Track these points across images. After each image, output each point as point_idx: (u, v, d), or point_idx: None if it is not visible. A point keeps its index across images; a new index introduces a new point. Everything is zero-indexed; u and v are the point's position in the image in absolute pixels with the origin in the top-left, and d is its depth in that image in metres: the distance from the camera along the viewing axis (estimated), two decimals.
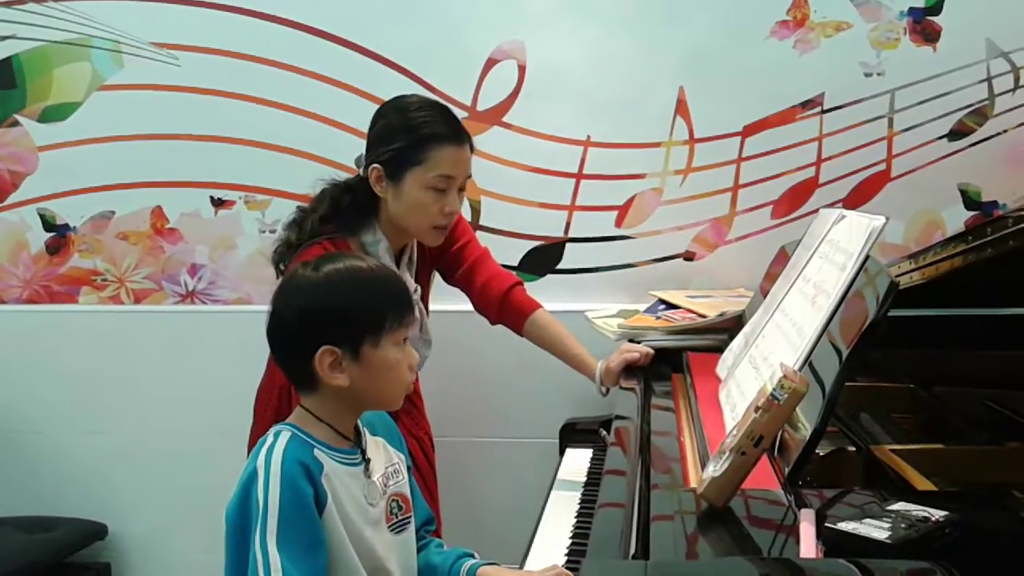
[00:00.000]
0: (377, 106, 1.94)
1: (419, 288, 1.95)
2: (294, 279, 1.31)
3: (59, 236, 2.60)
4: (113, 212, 2.57)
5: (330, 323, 1.26)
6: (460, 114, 1.92)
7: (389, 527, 1.32)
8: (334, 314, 1.26)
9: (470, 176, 1.88)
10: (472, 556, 1.41)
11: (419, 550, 1.41)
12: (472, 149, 1.85)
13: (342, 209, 1.85)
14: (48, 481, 2.64)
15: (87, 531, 2.56)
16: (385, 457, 1.37)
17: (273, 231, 2.46)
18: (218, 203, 2.53)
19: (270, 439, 1.25)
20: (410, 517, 1.36)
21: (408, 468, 1.42)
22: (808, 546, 1.01)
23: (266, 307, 1.32)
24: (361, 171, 1.91)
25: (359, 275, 1.30)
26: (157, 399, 2.58)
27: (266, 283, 1.39)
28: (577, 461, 1.90)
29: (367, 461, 1.32)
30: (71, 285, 2.62)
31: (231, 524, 1.23)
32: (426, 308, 2.01)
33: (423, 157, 1.79)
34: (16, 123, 2.55)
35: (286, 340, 1.30)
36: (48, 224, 2.59)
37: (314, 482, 1.22)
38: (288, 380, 1.37)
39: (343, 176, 1.96)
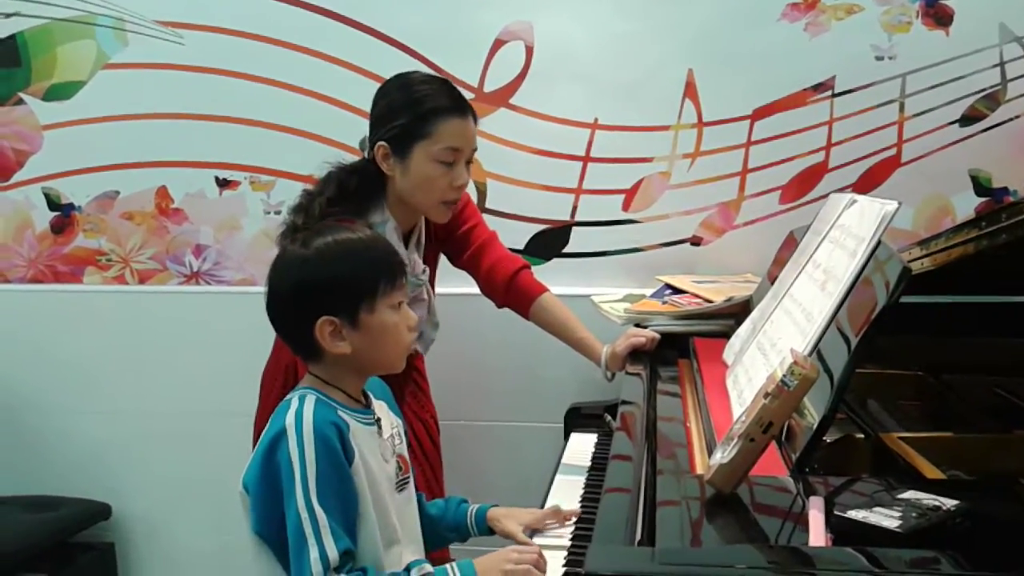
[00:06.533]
0: None
1: (427, 269, 1.94)
2: (286, 255, 1.34)
3: (64, 216, 2.59)
4: (118, 192, 2.56)
5: (326, 294, 1.29)
6: (467, 95, 1.90)
7: (394, 485, 1.36)
8: (329, 284, 1.29)
9: (476, 150, 1.87)
10: (467, 502, 1.50)
11: None
12: (476, 122, 1.85)
13: (349, 191, 1.84)
14: (52, 461, 2.64)
15: (91, 511, 2.57)
16: (389, 420, 1.41)
17: (278, 212, 2.45)
18: (223, 183, 2.52)
19: (295, 402, 1.27)
20: (409, 477, 1.41)
21: (405, 432, 1.47)
22: (817, 534, 1.00)
23: None
24: (365, 153, 1.89)
25: (349, 244, 1.32)
26: (161, 380, 2.58)
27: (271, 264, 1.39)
28: (582, 445, 1.90)
29: (378, 421, 1.36)
30: (76, 265, 2.61)
31: (256, 488, 1.25)
32: (433, 290, 2.00)
33: (429, 130, 1.79)
34: (21, 101, 2.54)
35: (285, 315, 1.32)
36: (53, 203, 2.59)
37: (344, 441, 1.25)
38: (293, 352, 1.40)
39: (348, 158, 1.94)
